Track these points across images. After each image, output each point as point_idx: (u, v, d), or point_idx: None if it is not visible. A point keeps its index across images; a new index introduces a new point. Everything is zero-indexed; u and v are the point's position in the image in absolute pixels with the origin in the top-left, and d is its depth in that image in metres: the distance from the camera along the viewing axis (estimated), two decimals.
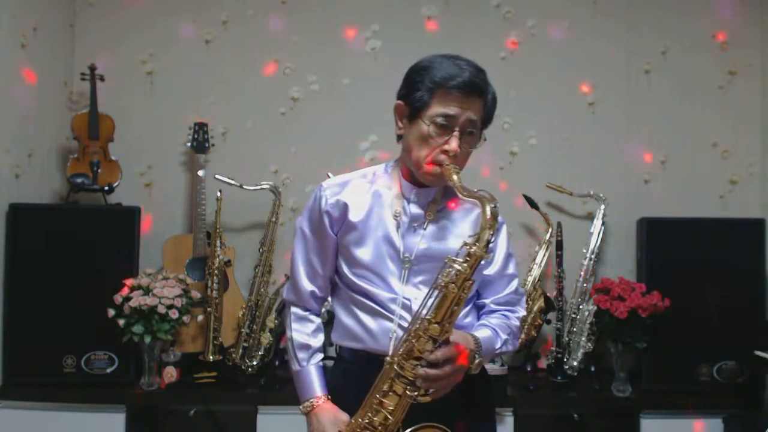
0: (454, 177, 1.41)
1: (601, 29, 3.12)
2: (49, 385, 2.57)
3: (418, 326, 1.37)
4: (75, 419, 2.54)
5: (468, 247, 1.35)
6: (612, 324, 2.63)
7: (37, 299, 2.57)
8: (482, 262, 1.38)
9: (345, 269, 1.55)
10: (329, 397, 1.56)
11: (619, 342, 2.65)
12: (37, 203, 2.74)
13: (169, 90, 3.09)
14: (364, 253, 1.52)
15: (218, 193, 2.80)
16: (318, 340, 1.62)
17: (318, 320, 1.65)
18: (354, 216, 1.53)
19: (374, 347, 1.49)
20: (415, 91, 1.47)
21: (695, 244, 2.75)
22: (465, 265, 1.35)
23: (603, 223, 2.95)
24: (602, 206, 2.95)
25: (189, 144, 2.95)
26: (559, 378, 2.75)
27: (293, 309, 1.65)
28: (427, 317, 1.35)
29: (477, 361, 1.43)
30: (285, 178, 3.09)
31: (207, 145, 2.95)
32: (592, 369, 2.85)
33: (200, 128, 2.95)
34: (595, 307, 2.70)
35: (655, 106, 3.12)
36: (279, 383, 2.70)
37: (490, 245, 1.41)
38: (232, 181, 2.83)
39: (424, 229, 1.52)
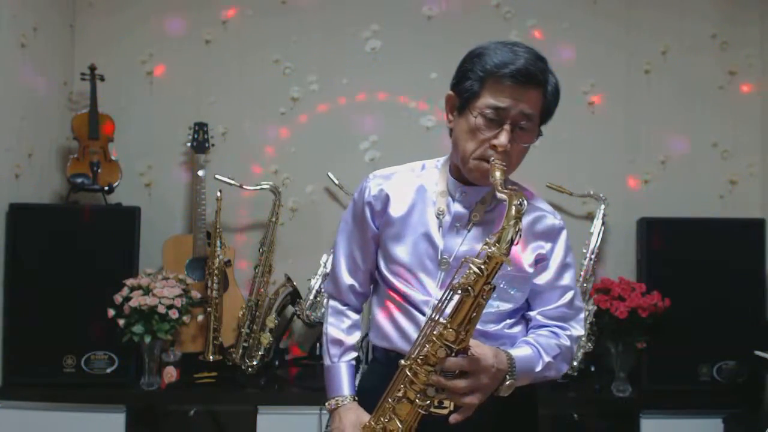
0: (497, 173, 1.28)
1: (601, 29, 3.12)
2: (49, 385, 2.57)
3: (433, 329, 1.26)
4: (75, 419, 2.54)
5: (487, 247, 1.21)
6: (612, 324, 2.63)
7: (37, 299, 2.57)
8: (508, 267, 1.25)
9: (382, 265, 1.48)
10: (356, 398, 1.48)
11: (619, 342, 2.65)
12: (37, 203, 2.74)
13: (169, 90, 3.09)
14: (401, 251, 1.43)
15: (218, 193, 2.80)
16: (353, 338, 1.54)
17: (356, 317, 1.57)
18: (394, 210, 1.45)
19: (405, 349, 1.37)
20: (465, 80, 1.35)
21: (695, 244, 2.75)
22: (483, 267, 1.20)
23: (603, 223, 2.94)
24: (602, 206, 2.95)
25: (189, 144, 2.95)
26: (559, 378, 2.75)
27: (332, 302, 1.58)
28: (443, 321, 1.24)
29: (507, 383, 1.29)
30: (285, 178, 3.08)
31: (207, 145, 2.95)
32: (592, 369, 2.85)
33: (200, 128, 2.95)
34: (595, 307, 2.70)
35: (655, 106, 3.12)
36: (279, 383, 2.70)
37: (545, 253, 1.35)
38: (232, 181, 2.83)
39: (468, 230, 1.41)
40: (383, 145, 3.09)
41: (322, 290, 2.75)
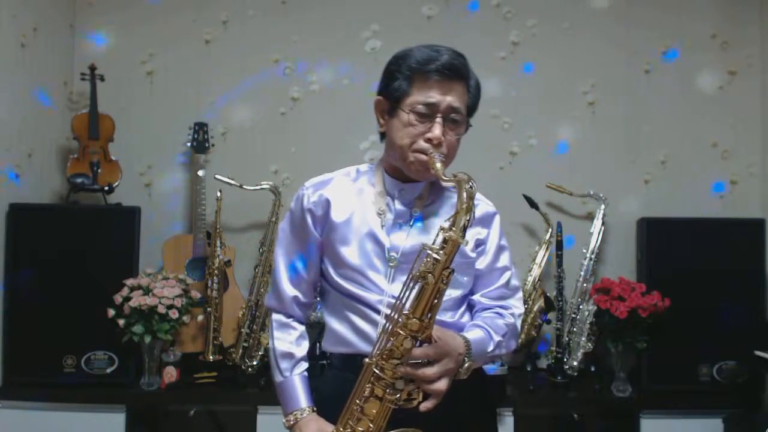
0: (437, 165, 1.33)
1: (601, 29, 3.12)
2: (49, 385, 2.57)
3: (395, 323, 1.26)
4: (75, 419, 2.54)
5: (444, 232, 1.25)
6: (612, 324, 2.63)
7: (37, 299, 2.57)
8: (465, 248, 1.30)
9: (331, 271, 1.46)
10: (314, 409, 1.44)
11: (619, 342, 2.65)
12: (37, 203, 2.74)
13: (169, 90, 3.09)
14: (349, 253, 1.43)
15: (218, 193, 2.80)
16: (302, 349, 1.50)
17: (302, 328, 1.54)
18: (337, 215, 1.46)
19: (367, 350, 1.37)
20: (393, 80, 1.40)
21: (695, 244, 2.75)
22: (441, 252, 1.24)
23: (603, 223, 2.94)
24: (602, 206, 2.95)
25: (189, 144, 2.95)
26: (559, 378, 2.75)
27: (275, 316, 1.54)
28: (405, 312, 1.26)
29: (466, 365, 1.33)
30: (285, 178, 3.09)
31: (207, 145, 2.95)
32: (592, 369, 2.85)
33: (200, 128, 2.95)
34: (595, 307, 2.70)
35: (655, 106, 3.12)
36: None
37: (483, 238, 1.43)
38: (232, 181, 2.83)
39: (411, 225, 1.44)
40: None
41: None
